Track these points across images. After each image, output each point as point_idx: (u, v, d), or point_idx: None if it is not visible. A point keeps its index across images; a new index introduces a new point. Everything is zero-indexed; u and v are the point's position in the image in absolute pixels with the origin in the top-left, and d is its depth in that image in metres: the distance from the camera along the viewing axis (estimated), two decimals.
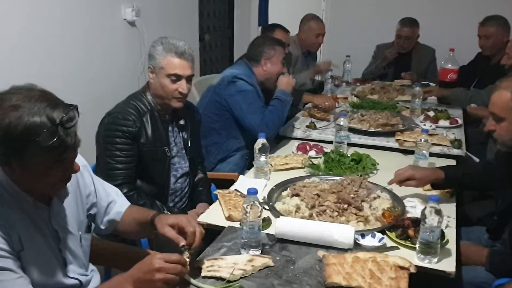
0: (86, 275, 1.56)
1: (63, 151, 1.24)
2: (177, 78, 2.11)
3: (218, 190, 2.09)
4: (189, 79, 2.16)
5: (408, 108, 3.39)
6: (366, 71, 4.66)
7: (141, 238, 1.66)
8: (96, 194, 1.63)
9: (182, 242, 1.42)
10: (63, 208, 1.47)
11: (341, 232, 1.66)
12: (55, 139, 1.20)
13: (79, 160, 1.58)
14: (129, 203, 1.74)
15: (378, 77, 4.53)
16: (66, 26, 2.76)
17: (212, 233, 1.81)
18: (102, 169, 2.07)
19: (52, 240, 1.42)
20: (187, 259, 1.37)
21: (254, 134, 2.49)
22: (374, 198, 1.98)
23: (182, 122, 2.29)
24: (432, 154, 2.46)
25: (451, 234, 1.76)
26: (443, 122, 3.07)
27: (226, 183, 2.31)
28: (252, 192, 1.57)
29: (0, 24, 2.35)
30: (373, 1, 5.35)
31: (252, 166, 2.36)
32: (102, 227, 1.67)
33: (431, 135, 2.68)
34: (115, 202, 1.70)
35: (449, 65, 3.71)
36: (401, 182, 2.01)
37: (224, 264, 1.51)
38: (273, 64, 2.86)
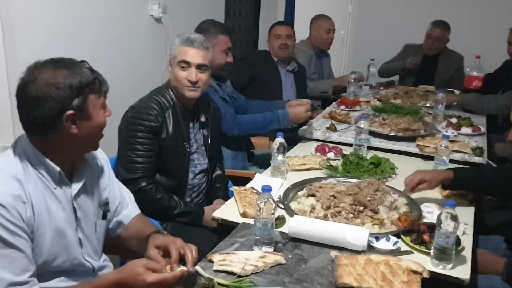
0: (98, 262, 1.60)
1: (101, 85, 1.42)
2: (187, 64, 2.14)
3: (234, 187, 2.11)
4: (200, 68, 2.17)
5: (431, 114, 3.35)
6: (385, 64, 4.62)
7: (138, 250, 1.70)
8: (110, 191, 1.66)
9: (160, 264, 1.41)
10: (83, 188, 1.50)
11: (355, 233, 1.65)
12: (95, 76, 1.40)
13: (102, 154, 1.64)
14: (139, 211, 1.76)
15: (392, 75, 4.50)
16: (94, 21, 2.82)
17: (226, 228, 1.82)
18: (123, 162, 2.11)
19: (70, 218, 1.46)
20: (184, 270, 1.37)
21: (223, 130, 2.60)
22: (391, 202, 1.97)
23: (203, 119, 2.31)
24: (452, 161, 2.43)
25: (467, 241, 1.74)
26: (465, 129, 3.03)
27: (243, 181, 2.32)
28: (266, 189, 1.58)
29: (34, 21, 2.42)
30: (400, 5, 5.31)
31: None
32: (110, 226, 1.69)
33: (452, 141, 2.64)
34: (127, 206, 1.73)
35: (475, 72, 3.66)
36: (413, 188, 1.99)
37: (236, 259, 1.52)
38: (215, 52, 2.65)
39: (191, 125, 2.27)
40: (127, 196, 1.76)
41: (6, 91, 2.37)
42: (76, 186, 1.47)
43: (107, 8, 2.92)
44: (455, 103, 3.64)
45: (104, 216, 1.61)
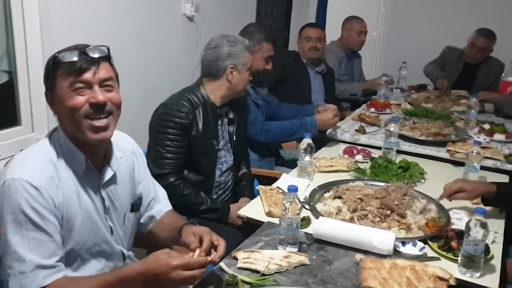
0: (128, 252, 1.62)
1: (80, 71, 1.33)
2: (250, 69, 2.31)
3: (260, 186, 2.11)
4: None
5: (463, 119, 3.29)
6: (430, 65, 4.53)
7: (169, 244, 1.71)
8: (144, 186, 1.69)
9: (193, 245, 1.43)
10: (113, 179, 1.52)
11: (381, 237, 1.64)
12: (72, 58, 1.33)
13: (138, 149, 1.67)
14: (171, 207, 1.78)
15: (431, 79, 4.45)
16: (129, 19, 2.88)
17: (251, 226, 1.83)
18: (152, 157, 2.14)
19: (99, 206, 1.48)
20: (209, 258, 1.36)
21: (250, 135, 2.63)
22: (420, 208, 1.94)
23: (231, 115, 2.34)
24: (484, 168, 2.38)
25: (496, 250, 1.70)
26: (498, 136, 2.96)
27: (269, 180, 2.32)
28: (293, 189, 1.58)
29: (71, 18, 2.48)
30: (435, 8, 5.23)
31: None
32: (141, 221, 1.71)
33: (484, 148, 2.59)
34: (160, 201, 1.75)
35: (510, 78, 3.57)
36: (450, 195, 1.96)
37: (260, 257, 1.53)
38: (255, 59, 2.69)
39: (219, 122, 2.30)
40: (160, 192, 1.78)
41: (42, 86, 2.41)
42: (105, 177, 1.49)
43: (142, 6, 2.97)
44: (491, 103, 3.55)
45: (133, 209, 1.63)
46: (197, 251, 1.39)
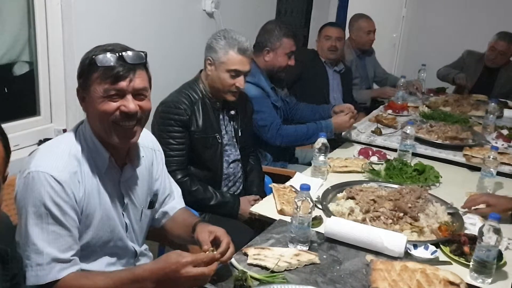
0: (141, 249, 1.64)
1: (116, 78, 1.34)
2: (237, 74, 2.17)
3: (274, 184, 2.12)
4: (246, 74, 2.21)
5: (481, 124, 3.25)
6: (444, 68, 4.49)
7: (180, 241, 1.74)
8: (161, 182, 1.71)
9: (206, 246, 1.44)
10: (134, 177, 1.55)
11: (392, 239, 1.63)
12: (109, 63, 1.33)
13: (158, 146, 1.69)
14: (184, 205, 1.80)
15: (446, 81, 4.40)
16: (150, 14, 2.90)
17: (263, 223, 1.84)
18: None
19: (118, 203, 1.51)
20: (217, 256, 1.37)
21: (265, 138, 2.60)
22: (433, 211, 1.93)
23: (232, 112, 2.34)
24: (500, 174, 2.35)
25: (510, 257, 1.67)
26: None
27: (283, 179, 2.32)
28: (305, 188, 1.58)
29: (93, 11, 2.52)
30: (457, 11, 5.17)
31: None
32: (156, 216, 1.73)
33: (501, 153, 2.55)
34: (174, 198, 1.77)
35: None
36: (473, 206, 1.93)
37: (271, 254, 1.54)
38: (277, 55, 2.74)
39: (221, 116, 2.30)
40: (176, 190, 1.80)
41: (62, 78, 2.47)
42: (127, 174, 1.52)
43: (163, 2, 2.99)
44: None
45: (151, 206, 1.66)
46: (207, 248, 1.41)
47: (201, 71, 2.30)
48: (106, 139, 1.42)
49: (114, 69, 1.34)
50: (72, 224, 1.36)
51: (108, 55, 1.34)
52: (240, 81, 2.18)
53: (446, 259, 1.65)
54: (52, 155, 1.37)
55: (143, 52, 1.41)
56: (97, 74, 1.34)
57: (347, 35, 4.20)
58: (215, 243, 1.47)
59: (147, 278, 1.30)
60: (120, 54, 1.35)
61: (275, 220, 1.84)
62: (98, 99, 1.36)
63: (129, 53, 1.37)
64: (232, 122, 2.35)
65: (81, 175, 1.39)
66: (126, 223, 1.54)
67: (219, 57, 2.17)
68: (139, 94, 1.39)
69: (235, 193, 2.36)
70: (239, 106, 2.38)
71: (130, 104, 1.36)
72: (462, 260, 1.62)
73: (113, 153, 1.46)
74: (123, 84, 1.35)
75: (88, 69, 1.36)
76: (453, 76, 4.37)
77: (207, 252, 1.37)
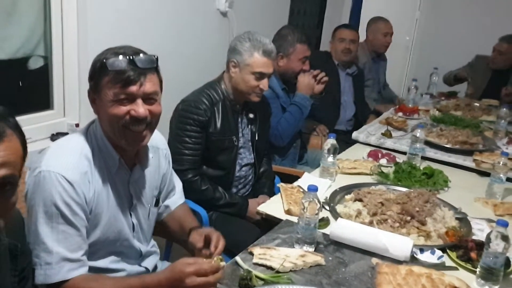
0: (146, 247, 1.66)
1: (127, 82, 1.34)
2: (261, 76, 2.18)
3: (281, 184, 2.13)
4: (270, 76, 2.23)
5: (492, 129, 3.23)
6: (450, 72, 4.48)
7: (174, 239, 1.79)
8: (167, 179, 1.73)
9: (199, 244, 1.50)
10: (142, 177, 1.57)
11: (399, 243, 1.63)
12: (120, 67, 1.33)
13: (164, 145, 1.70)
14: (184, 200, 1.83)
15: (458, 80, 4.37)
16: (163, 11, 2.92)
17: (270, 223, 1.85)
18: (171, 153, 2.17)
19: (126, 203, 1.52)
20: (222, 264, 1.40)
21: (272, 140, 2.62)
22: (440, 216, 1.92)
23: (251, 115, 2.34)
24: (510, 180, 2.33)
25: None
26: None
27: (291, 179, 2.33)
28: (312, 189, 1.59)
29: (107, 8, 2.55)
30: (471, 15, 5.13)
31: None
32: (159, 210, 1.75)
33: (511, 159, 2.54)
34: (176, 193, 1.80)
35: None
36: None
37: (276, 254, 1.54)
38: (291, 61, 2.77)
39: (239, 119, 2.31)
40: (178, 184, 1.83)
41: (76, 73, 2.50)
42: (136, 175, 1.54)
43: (178, 0, 3.00)
44: None
45: (157, 203, 1.68)
46: (215, 258, 1.43)
47: (223, 72, 2.30)
48: (116, 141, 1.43)
49: (125, 73, 1.33)
50: (81, 224, 1.38)
51: (119, 58, 1.34)
52: (264, 83, 2.20)
53: (453, 264, 1.64)
54: (64, 155, 1.38)
55: (154, 55, 1.40)
56: (108, 78, 1.34)
57: (363, 37, 4.19)
58: (206, 242, 1.52)
59: (155, 287, 1.33)
60: (131, 58, 1.35)
61: (282, 220, 1.84)
62: (108, 102, 1.36)
63: (141, 56, 1.36)
64: (250, 126, 2.36)
65: (91, 175, 1.40)
66: (133, 223, 1.56)
67: (244, 60, 2.18)
68: (149, 98, 1.39)
69: (244, 195, 2.37)
70: (259, 109, 2.38)
71: (140, 108, 1.36)
72: (468, 266, 1.62)
73: (122, 154, 1.47)
74: (133, 88, 1.35)
75: (99, 72, 1.36)
76: (454, 74, 4.36)
77: (213, 262, 1.39)
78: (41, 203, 1.32)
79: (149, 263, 1.66)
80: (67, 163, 1.36)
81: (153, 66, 1.39)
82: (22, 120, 2.23)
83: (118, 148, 1.45)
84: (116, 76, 1.33)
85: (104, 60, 1.34)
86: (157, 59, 1.41)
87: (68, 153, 1.39)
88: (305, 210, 1.58)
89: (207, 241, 1.52)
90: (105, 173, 1.44)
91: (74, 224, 1.36)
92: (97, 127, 1.46)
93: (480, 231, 1.86)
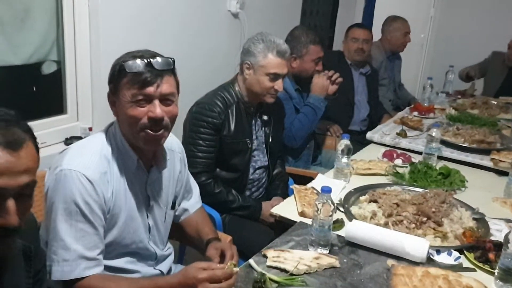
0: (161, 249, 1.66)
1: (144, 83, 1.36)
2: (275, 77, 2.17)
3: (295, 185, 2.11)
4: (284, 77, 2.22)
5: (510, 127, 3.17)
6: (466, 68, 4.43)
7: (189, 243, 1.81)
8: (183, 182, 1.74)
9: (215, 260, 1.50)
10: (160, 178, 1.58)
11: (415, 244, 1.61)
12: (138, 69, 1.35)
13: (180, 148, 1.71)
14: (201, 204, 1.84)
15: (469, 78, 4.31)
16: (176, 14, 2.93)
17: (283, 225, 1.83)
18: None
19: (143, 204, 1.54)
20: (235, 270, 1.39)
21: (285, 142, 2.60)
22: (457, 216, 1.89)
23: (265, 117, 2.33)
24: None
25: None
26: None
27: (305, 180, 2.31)
28: (326, 190, 1.57)
29: (119, 12, 2.55)
30: (486, 12, 5.07)
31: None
32: (176, 213, 1.76)
33: None
34: (194, 196, 1.81)
35: None
36: None
37: (290, 257, 1.53)
38: (304, 62, 2.76)
39: (253, 121, 2.30)
40: (193, 186, 1.83)
41: (89, 77, 2.51)
42: (153, 176, 1.55)
43: (189, 2, 3.01)
44: None
45: (173, 206, 1.69)
46: (229, 263, 1.43)
47: (236, 74, 2.30)
48: (134, 142, 1.46)
49: (142, 74, 1.36)
50: (99, 223, 1.40)
51: (137, 61, 1.37)
52: (279, 84, 2.19)
53: (470, 265, 1.61)
54: (84, 155, 1.41)
55: (171, 58, 1.43)
56: (126, 80, 1.38)
57: (379, 36, 4.16)
58: (222, 255, 1.54)
59: None
60: (149, 60, 1.37)
61: (295, 222, 1.82)
62: (126, 104, 1.39)
63: (158, 59, 1.39)
64: (264, 128, 2.35)
65: (110, 176, 1.43)
66: (149, 225, 1.57)
67: (258, 61, 2.17)
68: (166, 100, 1.41)
69: (257, 198, 2.36)
70: (273, 111, 2.37)
71: (157, 109, 1.39)
72: (486, 267, 1.59)
73: (140, 155, 1.49)
74: (150, 89, 1.37)
75: (118, 75, 1.39)
76: (466, 71, 4.31)
77: (226, 268, 1.38)
78: (61, 200, 1.35)
79: (164, 266, 1.67)
80: (88, 163, 1.39)
81: (169, 68, 1.42)
82: (37, 125, 2.29)
83: (136, 149, 1.47)
84: (134, 77, 1.37)
85: (123, 63, 1.37)
86: (173, 61, 1.43)
87: (89, 153, 1.42)
88: (318, 212, 1.56)
89: (223, 255, 1.54)
90: (123, 174, 1.47)
91: (92, 223, 1.38)
92: (116, 129, 1.48)
93: (498, 231, 1.83)
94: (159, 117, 1.39)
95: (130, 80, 1.37)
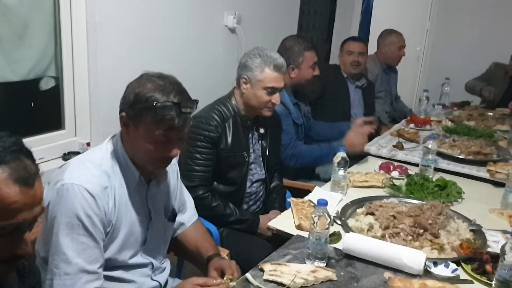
0: (159, 262, 1.66)
1: (170, 127, 1.38)
2: (273, 91, 2.18)
3: (292, 198, 2.11)
4: (281, 90, 2.24)
5: (506, 138, 3.19)
6: (472, 80, 4.46)
7: (187, 258, 1.83)
8: (178, 194, 1.75)
9: (218, 281, 1.49)
10: (159, 192, 1.60)
11: (412, 256, 1.61)
12: (168, 113, 1.36)
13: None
14: (197, 217, 1.85)
15: (482, 98, 4.30)
16: (173, 30, 2.96)
17: (281, 238, 1.83)
18: (182, 169, 2.17)
19: (144, 218, 1.55)
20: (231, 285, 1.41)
21: (281, 158, 2.59)
22: (454, 228, 1.89)
23: (262, 130, 2.34)
24: None
25: None
26: None
27: (302, 193, 2.32)
28: (322, 203, 1.57)
29: (117, 29, 2.58)
30: (481, 24, 5.12)
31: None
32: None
33: None
34: (189, 210, 1.82)
35: None
36: None
37: (287, 270, 1.53)
38: (302, 70, 2.78)
39: (250, 135, 2.31)
40: (188, 199, 1.84)
41: (86, 93, 2.53)
42: (153, 189, 1.57)
43: (186, 17, 3.04)
44: None
45: (173, 218, 1.70)
46: (225, 278, 1.46)
47: (233, 88, 2.31)
48: (143, 165, 1.49)
49: (171, 120, 1.38)
50: (100, 236, 1.41)
51: (169, 105, 1.37)
52: (276, 98, 2.20)
53: (468, 277, 1.61)
54: (86, 169, 1.42)
55: (196, 100, 1.46)
56: (153, 119, 1.38)
57: (374, 49, 4.19)
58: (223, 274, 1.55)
59: None
60: (179, 104, 1.39)
61: (293, 235, 1.83)
62: (146, 138, 1.41)
63: (186, 102, 1.41)
64: (260, 141, 2.36)
65: (111, 190, 1.44)
66: (148, 238, 1.58)
67: (255, 75, 2.18)
68: (183, 139, 1.46)
69: (255, 212, 2.36)
70: (270, 124, 2.38)
71: (176, 150, 1.44)
72: (484, 279, 1.59)
73: (141, 171, 1.51)
74: (175, 133, 1.41)
75: (145, 109, 1.39)
76: (480, 88, 4.33)
77: (222, 284, 1.39)
78: (63, 214, 1.36)
79: (161, 277, 1.67)
80: (90, 177, 1.40)
81: (193, 111, 1.44)
82: (35, 140, 2.31)
83: (138, 166, 1.49)
84: (162, 120, 1.38)
85: (154, 103, 1.37)
86: (197, 102, 1.46)
87: (89, 167, 1.43)
88: (315, 224, 1.57)
89: (223, 274, 1.55)
90: (124, 188, 1.48)
91: (93, 236, 1.39)
92: (118, 145, 1.50)
93: (495, 243, 1.83)
94: (175, 155, 1.45)
95: (157, 121, 1.38)
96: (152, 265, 1.62)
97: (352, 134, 2.70)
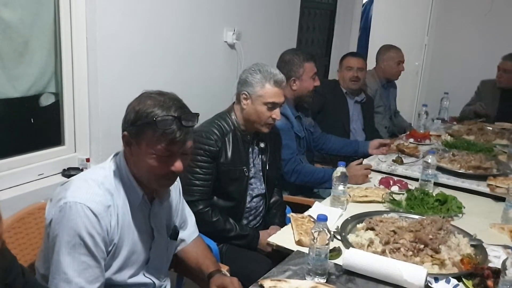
0: (161, 280, 1.66)
1: (172, 141, 1.38)
2: (273, 106, 2.19)
3: (292, 214, 2.10)
4: (281, 105, 2.25)
5: (506, 152, 3.19)
6: (466, 107, 4.47)
7: (187, 275, 1.83)
8: (180, 211, 1.75)
9: None
10: (162, 210, 1.60)
11: (412, 272, 1.60)
12: (169, 127, 1.36)
13: None
14: (198, 233, 1.85)
15: (478, 116, 4.31)
16: (173, 47, 2.98)
17: (281, 254, 1.82)
18: (182, 184, 2.17)
19: (147, 237, 1.55)
20: None
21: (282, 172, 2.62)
22: (455, 243, 1.88)
23: (262, 145, 2.34)
24: None
25: None
26: None
27: (302, 208, 2.31)
28: (322, 218, 1.57)
29: (117, 46, 2.60)
30: (479, 39, 5.16)
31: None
32: None
33: None
34: (190, 227, 1.82)
35: None
36: None
37: (287, 286, 1.51)
38: (304, 81, 2.81)
39: (250, 149, 2.31)
40: (189, 215, 1.83)
41: (86, 109, 2.54)
42: (155, 208, 1.57)
43: (186, 33, 3.06)
44: None
45: (175, 237, 1.69)
46: None
47: (233, 103, 2.32)
48: (146, 184, 1.49)
49: (172, 133, 1.38)
50: (101, 256, 1.40)
51: (169, 119, 1.38)
52: (276, 113, 2.21)
53: None
54: (88, 187, 1.42)
55: (196, 114, 1.47)
56: (154, 134, 1.38)
57: (373, 64, 4.21)
58: None
59: None
60: (179, 118, 1.39)
61: (293, 251, 1.82)
62: (149, 154, 1.41)
63: (187, 115, 1.41)
64: (260, 156, 2.36)
65: (114, 209, 1.44)
66: (149, 257, 1.57)
67: (255, 91, 2.19)
68: (186, 154, 1.46)
69: (255, 227, 2.35)
70: (269, 139, 2.39)
71: (179, 165, 1.43)
72: None
73: (145, 190, 1.52)
74: (177, 147, 1.41)
75: (146, 125, 1.39)
76: (473, 111, 4.36)
77: None
78: (65, 233, 1.35)
79: None
80: (93, 195, 1.40)
81: (194, 124, 1.44)
82: (34, 156, 2.30)
83: (141, 184, 1.49)
84: (163, 134, 1.38)
85: (154, 118, 1.37)
86: (198, 116, 1.47)
87: (92, 186, 1.43)
88: (315, 240, 1.56)
89: None
90: (127, 207, 1.48)
91: (95, 256, 1.38)
92: (121, 163, 1.49)
93: (496, 258, 1.82)
94: (179, 171, 1.44)
95: (158, 136, 1.38)
96: (154, 284, 1.61)
97: (355, 169, 2.68)
